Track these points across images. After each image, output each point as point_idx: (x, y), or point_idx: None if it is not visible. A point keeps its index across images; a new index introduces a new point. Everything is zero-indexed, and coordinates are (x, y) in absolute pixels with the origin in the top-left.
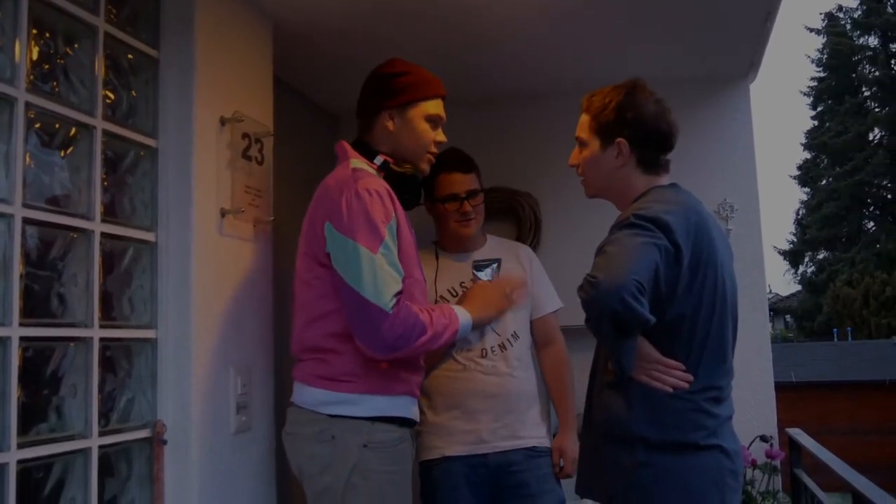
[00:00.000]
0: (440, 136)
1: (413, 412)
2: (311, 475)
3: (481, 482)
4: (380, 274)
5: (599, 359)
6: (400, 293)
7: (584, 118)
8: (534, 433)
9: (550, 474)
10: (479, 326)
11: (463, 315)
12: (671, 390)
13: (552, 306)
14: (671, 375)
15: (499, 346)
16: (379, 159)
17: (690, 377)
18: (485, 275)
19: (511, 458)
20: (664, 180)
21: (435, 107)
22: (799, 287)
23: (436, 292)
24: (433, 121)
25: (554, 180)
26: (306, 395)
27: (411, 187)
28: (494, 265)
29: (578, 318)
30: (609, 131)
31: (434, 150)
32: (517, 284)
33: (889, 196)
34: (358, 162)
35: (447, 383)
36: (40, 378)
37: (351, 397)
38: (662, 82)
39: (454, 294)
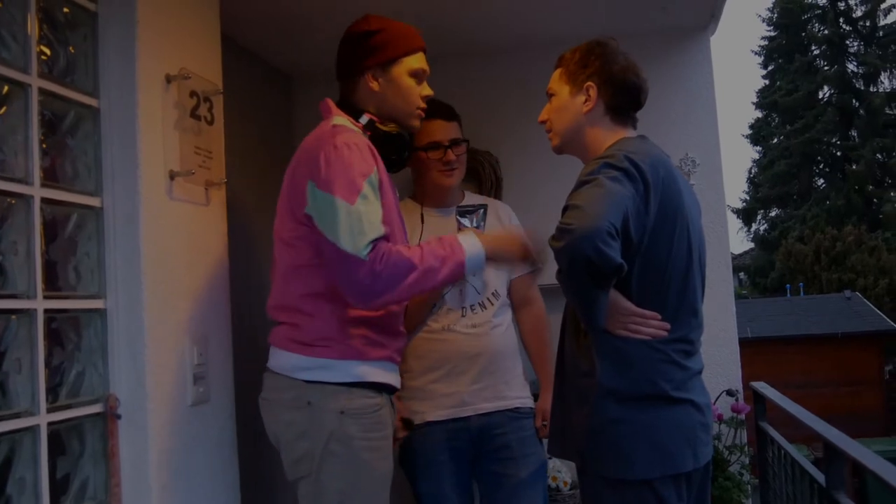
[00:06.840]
0: (426, 90)
1: (393, 378)
2: (288, 442)
3: (462, 447)
4: (356, 224)
5: (569, 314)
6: (380, 239)
7: (556, 71)
8: (517, 393)
9: (533, 436)
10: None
11: (471, 245)
12: (649, 339)
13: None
14: (648, 326)
15: (479, 304)
16: (364, 118)
17: (668, 326)
18: (469, 221)
19: (494, 420)
20: (632, 134)
21: (418, 61)
22: (752, 245)
23: None
24: (417, 75)
25: (514, 139)
26: (282, 359)
27: (397, 147)
28: (480, 211)
29: (550, 277)
30: (578, 76)
31: (423, 105)
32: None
33: (838, 153)
34: (341, 119)
35: (425, 345)
36: None
37: (327, 363)
38: (625, 35)
39: None
